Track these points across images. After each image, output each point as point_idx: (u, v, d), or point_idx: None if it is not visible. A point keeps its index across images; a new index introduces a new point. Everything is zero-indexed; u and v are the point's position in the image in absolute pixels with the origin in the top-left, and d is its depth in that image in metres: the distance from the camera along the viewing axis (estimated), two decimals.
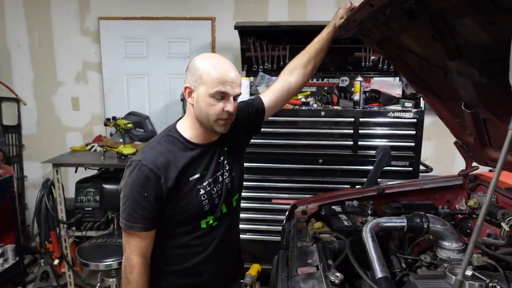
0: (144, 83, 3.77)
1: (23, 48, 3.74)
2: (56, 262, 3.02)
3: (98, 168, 3.12)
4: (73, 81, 3.78)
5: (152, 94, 3.79)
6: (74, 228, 2.96)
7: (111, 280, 2.43)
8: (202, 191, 1.23)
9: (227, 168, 1.32)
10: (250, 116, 1.42)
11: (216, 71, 1.15)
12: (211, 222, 1.28)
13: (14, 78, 3.79)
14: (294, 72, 1.49)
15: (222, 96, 1.16)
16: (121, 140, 3.16)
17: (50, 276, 3.06)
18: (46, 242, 2.96)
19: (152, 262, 1.29)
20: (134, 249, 1.20)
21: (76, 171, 3.17)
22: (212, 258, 1.30)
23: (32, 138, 3.90)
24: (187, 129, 1.26)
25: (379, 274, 1.05)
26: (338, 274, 1.11)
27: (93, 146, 3.24)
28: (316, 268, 1.23)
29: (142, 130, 3.51)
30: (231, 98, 1.18)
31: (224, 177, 1.30)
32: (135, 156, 1.22)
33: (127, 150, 2.85)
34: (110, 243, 2.54)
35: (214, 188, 1.27)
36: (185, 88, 1.21)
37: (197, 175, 1.23)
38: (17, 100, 3.78)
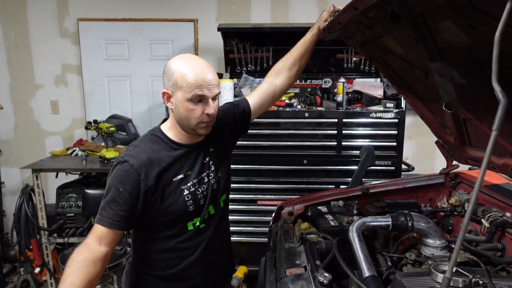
0: (126, 85, 3.71)
1: None
2: (37, 270, 2.93)
3: (79, 173, 3.05)
4: (52, 84, 3.69)
5: (134, 97, 3.73)
6: (55, 235, 2.87)
7: None
8: (186, 192, 1.22)
9: (212, 169, 1.31)
10: (236, 117, 1.42)
11: (192, 75, 1.12)
12: (198, 224, 1.27)
13: None
14: (279, 74, 1.49)
15: (200, 99, 1.15)
16: (103, 144, 3.09)
17: (31, 285, 2.97)
18: (26, 250, 2.87)
19: (139, 267, 1.27)
20: (98, 238, 1.11)
21: (56, 176, 3.08)
22: (200, 261, 1.29)
23: (10, 143, 3.77)
24: (171, 130, 1.25)
25: (366, 273, 1.07)
26: (326, 275, 1.12)
27: (74, 151, 3.16)
28: (304, 269, 1.24)
29: (125, 133, 3.45)
30: (210, 101, 1.17)
31: (210, 177, 1.29)
32: (120, 154, 1.21)
33: (110, 154, 2.80)
34: None
35: (199, 189, 1.26)
36: (163, 93, 1.20)
37: (181, 176, 1.22)
38: None
